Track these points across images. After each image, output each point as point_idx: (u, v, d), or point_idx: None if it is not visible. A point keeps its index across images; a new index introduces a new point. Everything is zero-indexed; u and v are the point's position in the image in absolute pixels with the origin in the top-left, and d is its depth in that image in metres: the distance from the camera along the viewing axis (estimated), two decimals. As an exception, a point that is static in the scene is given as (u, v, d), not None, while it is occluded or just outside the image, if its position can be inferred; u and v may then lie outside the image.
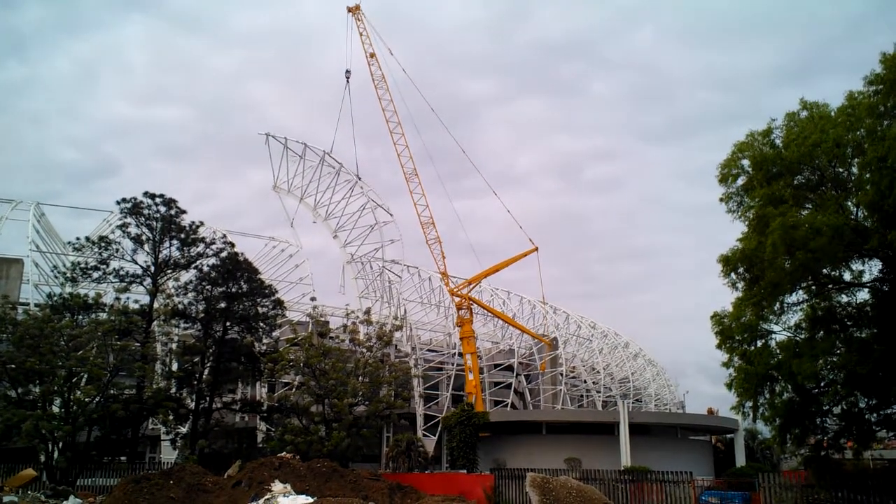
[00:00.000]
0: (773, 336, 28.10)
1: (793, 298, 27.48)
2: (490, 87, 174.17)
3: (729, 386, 28.15)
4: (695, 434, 64.59)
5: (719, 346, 28.09)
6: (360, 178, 71.01)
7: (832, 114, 24.84)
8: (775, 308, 27.26)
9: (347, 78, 70.43)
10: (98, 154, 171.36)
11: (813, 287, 27.24)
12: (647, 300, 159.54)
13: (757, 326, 27.28)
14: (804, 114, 25.69)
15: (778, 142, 25.94)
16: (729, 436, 65.68)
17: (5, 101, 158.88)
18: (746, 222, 26.76)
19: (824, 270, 26.08)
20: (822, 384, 27.62)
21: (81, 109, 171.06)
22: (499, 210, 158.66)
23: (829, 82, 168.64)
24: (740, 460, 59.06)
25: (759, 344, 27.79)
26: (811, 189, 25.95)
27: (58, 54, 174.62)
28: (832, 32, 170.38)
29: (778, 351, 27.36)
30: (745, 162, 26.44)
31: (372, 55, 67.73)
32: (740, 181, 26.80)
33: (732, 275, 27.22)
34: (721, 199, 27.31)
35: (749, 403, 28.27)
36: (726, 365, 28.24)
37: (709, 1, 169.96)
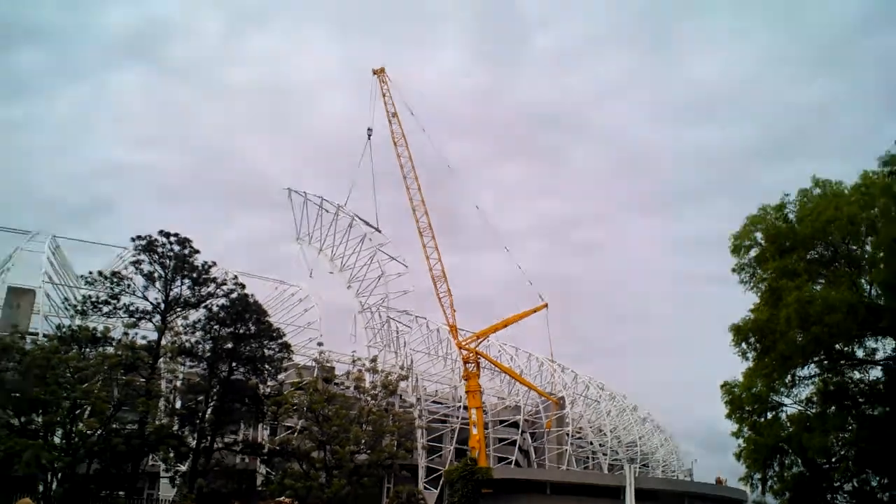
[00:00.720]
0: (784, 408, 27.80)
1: (804, 372, 27.27)
2: (473, 149, 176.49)
3: (738, 456, 27.78)
4: (702, 503, 63.26)
5: (729, 416, 27.74)
6: (380, 231, 72.03)
7: (846, 191, 24.95)
8: (786, 380, 27.02)
9: (369, 135, 72.18)
10: (94, 193, 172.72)
11: (825, 362, 27.00)
12: (638, 364, 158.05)
13: (768, 398, 26.97)
14: (817, 191, 25.85)
15: (791, 216, 26.06)
16: (737, 507, 64.26)
17: (3, 139, 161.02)
18: (758, 294, 26.65)
19: (837, 346, 25.86)
20: (833, 460, 27.18)
21: (78, 150, 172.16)
22: (490, 266, 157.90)
23: (804, 164, 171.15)
24: (748, 533, 57.73)
25: (770, 416, 27.44)
26: (824, 265, 25.93)
27: (55, 97, 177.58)
28: (804, 118, 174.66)
29: (788, 423, 27.06)
30: (758, 234, 26.49)
31: (394, 115, 69.63)
32: (753, 252, 26.81)
33: (743, 344, 27.04)
34: (733, 270, 27.30)
35: (758, 475, 27.87)
36: (736, 435, 27.89)
37: (682, 78, 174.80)
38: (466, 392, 65.72)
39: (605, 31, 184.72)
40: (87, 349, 42.13)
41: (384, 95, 70.02)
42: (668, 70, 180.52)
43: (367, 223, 71.39)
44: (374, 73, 70.98)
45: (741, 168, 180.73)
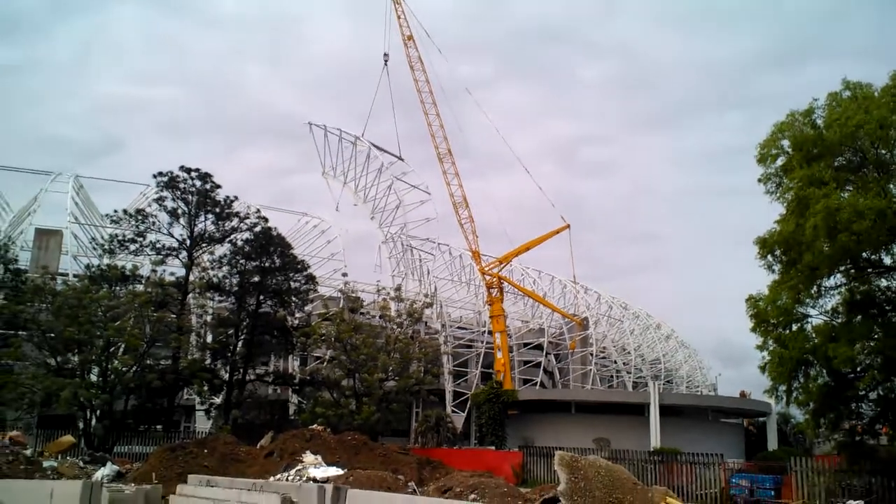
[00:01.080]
0: (810, 320, 27.70)
1: (830, 282, 27.00)
2: (473, 71, 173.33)
3: (763, 369, 27.79)
4: (726, 417, 64.19)
5: (754, 330, 27.71)
6: (402, 159, 72.09)
7: (876, 94, 24.23)
8: (812, 291, 26.79)
9: (385, 61, 71.36)
10: (102, 132, 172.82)
11: (852, 271, 26.74)
12: (652, 283, 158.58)
13: (793, 310, 26.85)
14: (846, 94, 25.08)
15: (819, 122, 25.38)
16: (761, 419, 65.13)
17: (5, 82, 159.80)
18: (785, 204, 26.26)
19: (864, 254, 25.60)
20: (859, 369, 27.17)
21: (80, 89, 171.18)
22: (498, 191, 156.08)
23: (814, 68, 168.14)
24: (772, 444, 58.68)
25: (795, 328, 27.37)
26: (852, 171, 25.39)
27: (51, 38, 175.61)
28: (811, 19, 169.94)
29: (814, 335, 26.93)
30: (785, 142, 25.93)
31: (409, 38, 68.03)
32: (779, 162, 26.27)
33: (769, 257, 26.78)
34: (759, 180, 26.76)
35: (783, 387, 27.89)
36: (760, 348, 27.85)
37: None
38: (490, 317, 66.38)
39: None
40: (118, 287, 42.86)
41: (399, 18, 68.15)
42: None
43: (388, 152, 71.37)
44: None
45: (749, 78, 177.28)
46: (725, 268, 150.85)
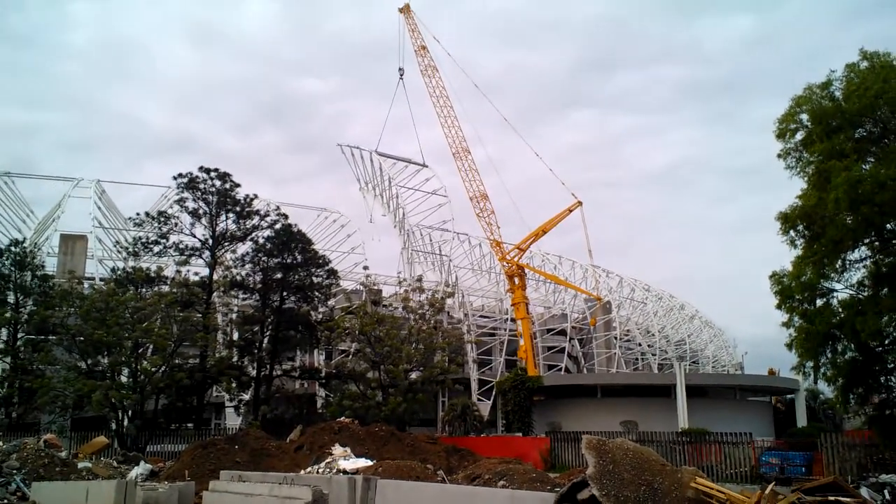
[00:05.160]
0: (835, 294, 27.43)
1: (855, 255, 26.70)
2: (322, 85, 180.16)
3: (789, 346, 27.57)
4: (754, 395, 63.73)
5: (779, 306, 27.45)
6: (426, 166, 75.96)
7: (894, 63, 23.91)
8: (837, 266, 26.50)
9: (401, 75, 74.17)
10: (8, 153, 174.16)
11: (876, 243, 26.42)
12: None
13: (818, 285, 26.60)
14: (864, 64, 24.77)
15: (838, 94, 25.08)
16: (789, 396, 64.60)
17: None
18: (806, 178, 26.01)
19: (888, 225, 25.31)
20: (887, 342, 26.89)
21: None
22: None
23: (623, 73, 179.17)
24: (801, 421, 58.13)
25: (821, 303, 27.14)
26: (873, 142, 25.06)
27: None
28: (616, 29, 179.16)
29: (840, 309, 26.65)
30: (804, 116, 25.65)
31: (423, 48, 71.23)
32: (799, 136, 26.01)
33: (791, 232, 26.52)
34: (779, 155, 26.52)
35: (810, 363, 27.64)
36: (786, 325, 27.63)
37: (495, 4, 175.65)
38: (512, 304, 66.42)
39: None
40: (144, 289, 43.41)
41: (412, 32, 71.34)
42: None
43: (412, 162, 75.80)
44: (400, 11, 72.22)
45: (573, 82, 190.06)
46: (644, 254, 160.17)
